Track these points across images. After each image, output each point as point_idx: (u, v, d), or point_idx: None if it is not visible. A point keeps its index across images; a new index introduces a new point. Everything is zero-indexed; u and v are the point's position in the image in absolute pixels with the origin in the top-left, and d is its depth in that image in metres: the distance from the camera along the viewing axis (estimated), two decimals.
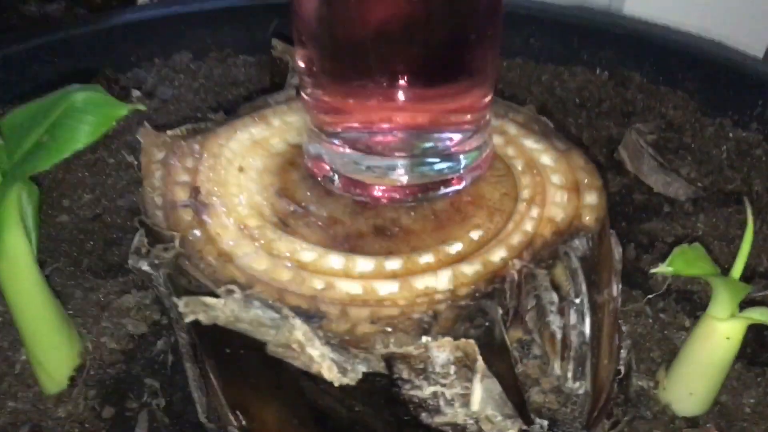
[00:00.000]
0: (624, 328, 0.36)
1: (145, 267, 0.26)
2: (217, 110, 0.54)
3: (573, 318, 0.28)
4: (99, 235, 0.45)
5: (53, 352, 0.33)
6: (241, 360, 0.27)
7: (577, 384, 0.29)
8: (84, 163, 0.49)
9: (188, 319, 0.22)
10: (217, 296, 0.23)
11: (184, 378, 0.34)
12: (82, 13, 0.75)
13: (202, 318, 0.22)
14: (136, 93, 0.58)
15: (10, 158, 0.28)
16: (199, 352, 0.30)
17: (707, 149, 0.52)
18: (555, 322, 0.28)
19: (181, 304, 0.22)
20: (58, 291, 0.39)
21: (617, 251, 0.32)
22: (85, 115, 0.27)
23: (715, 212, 0.46)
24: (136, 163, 0.31)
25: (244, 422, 0.29)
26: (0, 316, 0.37)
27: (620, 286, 0.32)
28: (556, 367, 0.29)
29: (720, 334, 0.31)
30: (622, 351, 0.33)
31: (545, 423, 0.29)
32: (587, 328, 0.29)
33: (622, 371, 0.33)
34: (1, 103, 0.53)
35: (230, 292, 0.23)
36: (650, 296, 0.36)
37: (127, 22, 0.61)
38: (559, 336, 0.29)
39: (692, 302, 0.39)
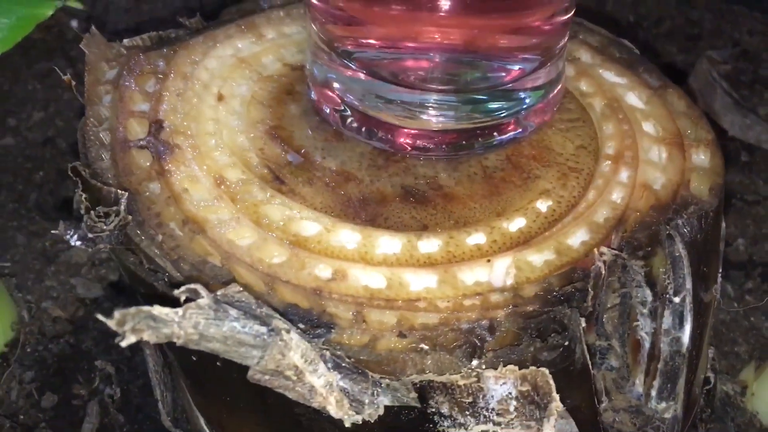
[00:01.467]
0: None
1: (75, 242, 0.18)
2: (195, 12, 0.44)
3: (667, 322, 0.21)
4: (51, 163, 0.37)
5: None
6: (217, 374, 0.19)
7: (664, 405, 0.22)
8: (34, 72, 0.41)
9: (126, 341, 0.14)
10: (174, 300, 0.16)
11: (143, 362, 0.26)
12: None
13: (149, 337, 0.15)
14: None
15: None
16: (165, 349, 0.22)
17: None
18: (644, 326, 0.21)
19: (114, 320, 0.14)
20: None
21: (724, 230, 0.24)
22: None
23: None
24: (74, 83, 0.22)
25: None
26: None
27: (721, 282, 0.24)
28: (638, 382, 0.22)
29: None
30: (709, 350, 0.26)
31: None
32: (686, 335, 0.21)
33: (711, 380, 0.25)
34: None
35: (194, 295, 0.15)
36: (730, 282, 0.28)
37: None
38: (647, 344, 0.21)
39: None
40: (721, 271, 0.24)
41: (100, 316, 0.14)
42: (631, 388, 0.22)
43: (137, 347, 0.27)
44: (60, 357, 0.27)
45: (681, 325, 0.21)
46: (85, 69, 0.24)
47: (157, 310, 0.15)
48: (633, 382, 0.22)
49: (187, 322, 0.15)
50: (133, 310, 0.14)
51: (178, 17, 0.28)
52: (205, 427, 0.23)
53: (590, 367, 0.19)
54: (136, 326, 0.14)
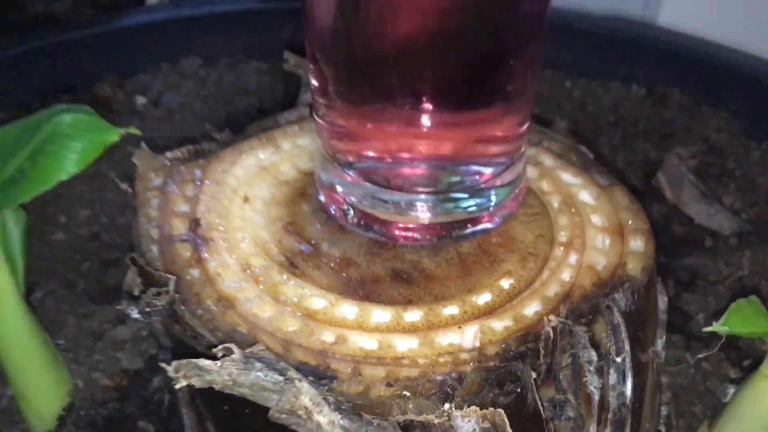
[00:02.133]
0: (663, 379, 0.32)
1: (135, 315, 0.23)
2: (226, 123, 0.51)
3: (613, 378, 0.25)
4: (96, 255, 0.42)
5: (41, 389, 0.31)
6: (245, 417, 0.24)
7: None
8: (82, 175, 0.46)
9: (179, 384, 0.19)
10: (213, 356, 0.20)
11: (181, 422, 0.31)
12: (89, 12, 0.72)
13: (196, 383, 0.19)
14: (140, 100, 0.55)
15: None
16: (198, 401, 0.27)
17: (753, 177, 0.48)
18: (593, 382, 0.25)
19: (171, 368, 0.19)
20: (50, 317, 0.37)
21: (662, 301, 0.28)
22: (72, 141, 0.24)
23: (762, 248, 0.42)
24: (130, 191, 0.28)
25: None
26: None
27: (665, 339, 0.28)
28: (592, 430, 0.26)
29: None
30: (663, 407, 0.30)
31: None
32: (629, 390, 0.25)
33: (663, 431, 0.29)
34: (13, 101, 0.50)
35: (228, 352, 0.20)
36: (700, 356, 0.33)
37: (133, 25, 0.59)
38: (596, 397, 0.25)
39: (738, 350, 0.36)
40: (663, 337, 0.28)
41: (162, 364, 0.19)
42: None
43: (174, 410, 0.32)
44: (108, 419, 0.32)
45: (623, 380, 0.25)
46: (136, 178, 0.29)
47: (202, 361, 0.19)
48: (588, 430, 0.26)
49: (223, 371, 0.20)
50: (185, 361, 0.19)
51: (211, 132, 0.34)
52: None
53: (542, 411, 0.23)
54: (186, 373, 0.19)
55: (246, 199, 0.29)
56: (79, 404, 0.32)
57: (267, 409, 0.21)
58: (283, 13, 0.60)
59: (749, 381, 0.29)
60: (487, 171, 0.27)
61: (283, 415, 0.21)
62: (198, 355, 0.21)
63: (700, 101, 0.53)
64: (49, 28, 0.58)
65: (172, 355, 0.27)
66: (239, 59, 0.59)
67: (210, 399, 0.25)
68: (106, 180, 0.46)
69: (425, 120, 0.26)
